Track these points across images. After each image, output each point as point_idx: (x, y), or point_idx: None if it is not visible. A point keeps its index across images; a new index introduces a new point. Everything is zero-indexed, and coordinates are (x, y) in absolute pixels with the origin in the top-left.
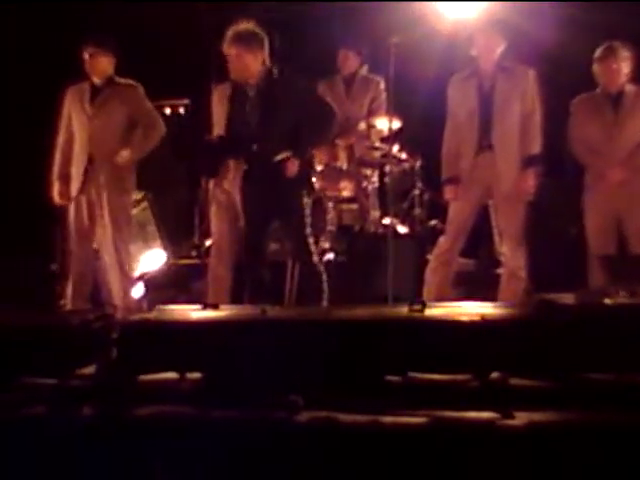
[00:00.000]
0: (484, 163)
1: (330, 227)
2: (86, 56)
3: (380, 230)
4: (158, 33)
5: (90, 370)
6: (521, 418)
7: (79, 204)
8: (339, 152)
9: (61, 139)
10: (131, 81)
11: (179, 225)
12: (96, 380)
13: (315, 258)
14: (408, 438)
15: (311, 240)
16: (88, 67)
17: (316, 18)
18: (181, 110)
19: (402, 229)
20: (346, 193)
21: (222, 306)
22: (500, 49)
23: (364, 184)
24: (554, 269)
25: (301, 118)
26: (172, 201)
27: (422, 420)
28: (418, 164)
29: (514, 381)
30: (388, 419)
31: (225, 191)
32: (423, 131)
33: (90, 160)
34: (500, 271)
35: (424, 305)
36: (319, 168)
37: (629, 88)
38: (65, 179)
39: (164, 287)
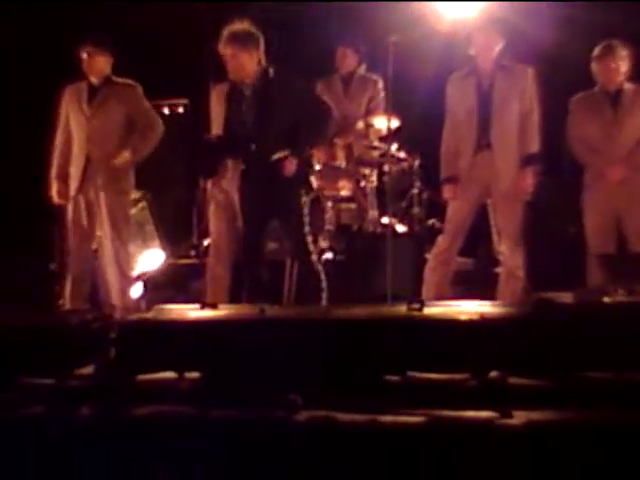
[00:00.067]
0: (483, 162)
1: (329, 226)
2: (83, 56)
3: (379, 229)
4: (156, 33)
5: (88, 370)
6: (520, 417)
7: (78, 204)
8: (337, 151)
9: (59, 139)
10: (129, 81)
11: (177, 225)
12: (94, 380)
13: (314, 257)
14: (407, 437)
15: (310, 239)
16: (86, 67)
17: (314, 17)
18: (180, 110)
19: (401, 228)
20: (344, 192)
21: (220, 305)
22: (498, 48)
23: (362, 183)
24: (552, 268)
25: (298, 117)
26: (170, 201)
27: (421, 419)
28: (417, 163)
29: (513, 380)
30: (387, 418)
31: (223, 191)
32: (422, 130)
33: (88, 160)
34: (499, 270)
35: (423, 304)
36: (317, 167)
37: (627, 86)
38: (64, 179)
39: (163, 287)
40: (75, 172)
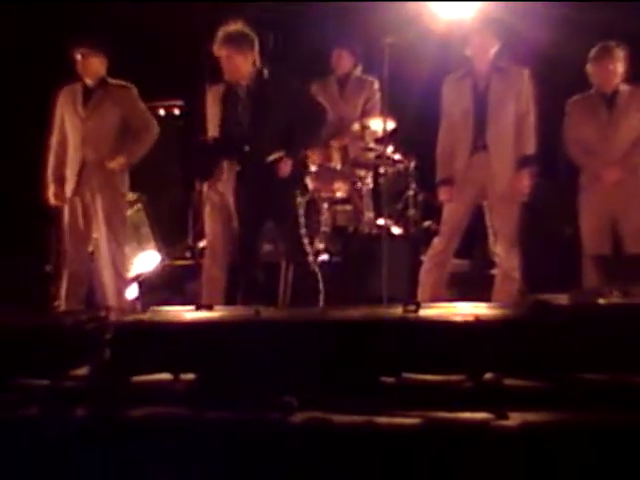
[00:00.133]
0: (478, 163)
1: (324, 228)
2: (78, 57)
3: (374, 231)
4: (152, 34)
5: (84, 371)
6: (515, 418)
7: (74, 206)
8: (333, 153)
9: (54, 141)
10: (124, 82)
11: (173, 226)
12: (90, 381)
13: (310, 259)
14: (402, 439)
15: (306, 240)
16: (80, 68)
17: (310, 18)
18: (176, 111)
19: (396, 230)
20: (340, 194)
21: (216, 307)
22: (494, 49)
23: (358, 185)
24: (548, 270)
25: (293, 118)
26: (166, 202)
27: (416, 421)
28: (412, 165)
29: (508, 381)
30: (382, 420)
31: (219, 192)
32: (417, 132)
33: (84, 162)
34: (494, 272)
35: (418, 306)
36: (313, 169)
37: (623, 88)
38: (60, 181)
39: (158, 288)
40: (71, 174)
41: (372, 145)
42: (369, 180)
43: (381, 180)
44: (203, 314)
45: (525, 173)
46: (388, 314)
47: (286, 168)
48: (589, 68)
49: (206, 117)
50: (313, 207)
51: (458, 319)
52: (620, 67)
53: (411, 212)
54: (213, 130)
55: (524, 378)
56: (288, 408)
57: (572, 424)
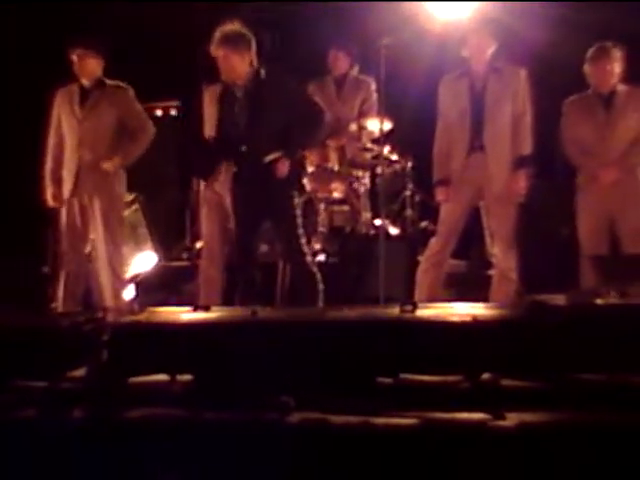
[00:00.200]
0: (475, 164)
1: (321, 228)
2: (74, 58)
3: (371, 231)
4: (149, 34)
5: (81, 372)
6: (512, 419)
7: (71, 207)
8: (330, 153)
9: (51, 142)
10: (120, 83)
11: (170, 227)
12: (87, 382)
13: (309, 259)
14: (399, 439)
15: (304, 241)
16: (77, 69)
17: (306, 19)
18: (172, 112)
19: (393, 230)
20: (337, 194)
21: (213, 308)
22: (491, 49)
23: (355, 185)
24: (545, 270)
25: (291, 119)
26: (163, 203)
27: (413, 421)
28: (409, 165)
29: (505, 382)
30: (379, 420)
31: (215, 192)
32: (414, 132)
33: (81, 162)
34: (491, 272)
35: (415, 306)
36: (310, 169)
37: (620, 88)
38: (58, 182)
39: (155, 289)
40: (68, 175)
41: (369, 145)
42: (366, 180)
43: (378, 180)
44: (200, 315)
45: (522, 174)
46: (385, 314)
47: (283, 169)
48: (586, 68)
49: (203, 117)
50: (310, 207)
51: (455, 319)
52: (617, 67)
53: (408, 212)
54: (210, 130)
55: (521, 378)
56: (285, 408)
57: (569, 424)
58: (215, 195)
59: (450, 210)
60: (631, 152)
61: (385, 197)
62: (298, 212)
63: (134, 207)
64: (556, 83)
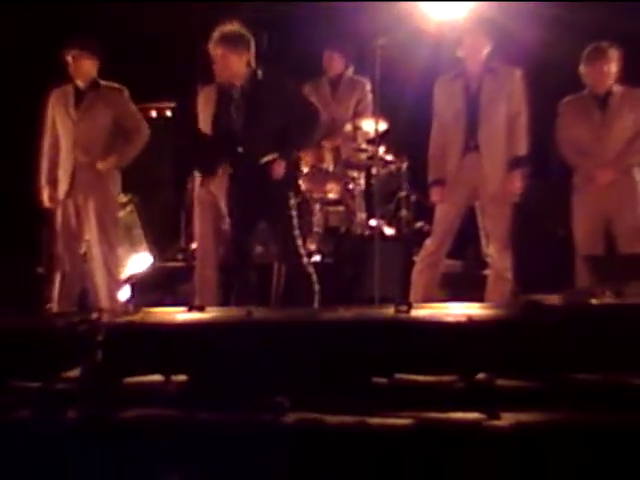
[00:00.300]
0: (470, 164)
1: (316, 229)
2: (69, 59)
3: (367, 232)
4: (146, 34)
5: (75, 373)
6: (507, 419)
7: (67, 208)
8: (325, 154)
9: (46, 143)
10: (116, 84)
11: (165, 228)
12: (81, 383)
13: (305, 260)
14: (395, 439)
15: (300, 242)
16: (72, 70)
17: (302, 19)
18: (167, 113)
19: (388, 231)
20: (332, 195)
21: (208, 308)
22: (486, 50)
23: (350, 186)
24: (541, 270)
25: (287, 119)
26: (158, 204)
27: (408, 421)
28: (404, 166)
29: (500, 382)
30: (374, 420)
31: (210, 193)
32: (409, 133)
33: (75, 163)
34: (487, 272)
35: (410, 306)
36: (305, 170)
37: (616, 88)
38: (54, 183)
39: (150, 290)
40: (63, 176)
41: (364, 146)
42: (361, 181)
43: (373, 181)
44: (195, 315)
45: (517, 174)
46: (380, 315)
47: (280, 169)
48: (582, 69)
49: (197, 118)
50: (305, 208)
51: (450, 319)
52: (613, 68)
53: (403, 213)
54: (205, 131)
55: (516, 378)
56: (280, 409)
57: (565, 424)
58: (209, 195)
59: (445, 210)
60: (627, 152)
61: (380, 197)
62: (294, 213)
63: (129, 208)
64: (551, 83)
